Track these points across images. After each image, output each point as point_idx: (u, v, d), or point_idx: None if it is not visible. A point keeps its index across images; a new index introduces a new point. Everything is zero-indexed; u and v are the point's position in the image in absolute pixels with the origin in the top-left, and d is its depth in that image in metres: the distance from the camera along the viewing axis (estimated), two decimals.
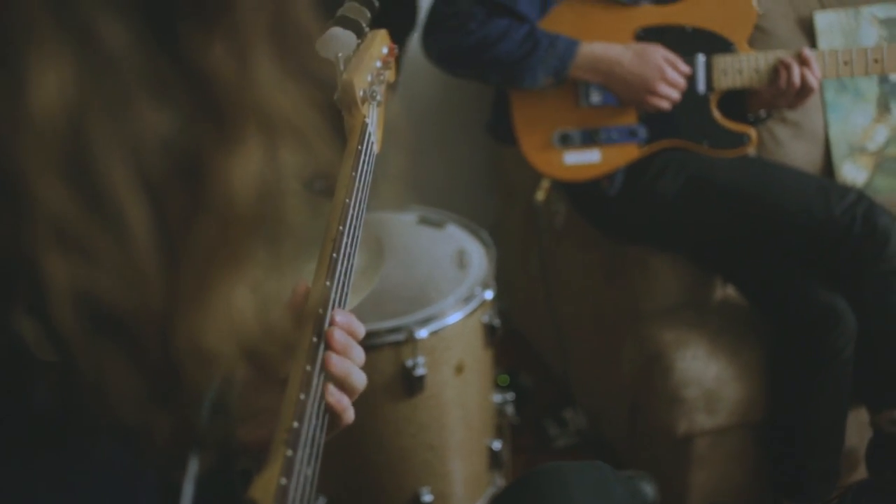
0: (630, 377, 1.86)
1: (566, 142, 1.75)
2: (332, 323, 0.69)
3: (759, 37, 1.86)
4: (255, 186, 0.50)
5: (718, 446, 1.77)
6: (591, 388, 2.08)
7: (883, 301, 1.65)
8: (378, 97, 0.93)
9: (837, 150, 1.95)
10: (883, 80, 1.95)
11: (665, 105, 1.69)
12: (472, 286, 1.55)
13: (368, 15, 0.97)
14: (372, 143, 0.89)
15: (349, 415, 0.71)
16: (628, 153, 1.76)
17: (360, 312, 0.78)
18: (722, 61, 1.70)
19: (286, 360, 0.65)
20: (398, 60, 1.04)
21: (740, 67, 1.69)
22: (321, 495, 1.51)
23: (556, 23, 1.71)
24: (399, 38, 1.66)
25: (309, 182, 0.55)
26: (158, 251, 0.48)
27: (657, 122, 1.74)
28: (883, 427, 1.69)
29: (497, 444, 1.68)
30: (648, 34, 1.72)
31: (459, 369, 1.53)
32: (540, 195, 1.88)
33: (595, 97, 1.73)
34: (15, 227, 0.45)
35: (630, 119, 1.75)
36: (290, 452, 0.58)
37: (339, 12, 0.96)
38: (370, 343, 1.42)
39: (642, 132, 1.75)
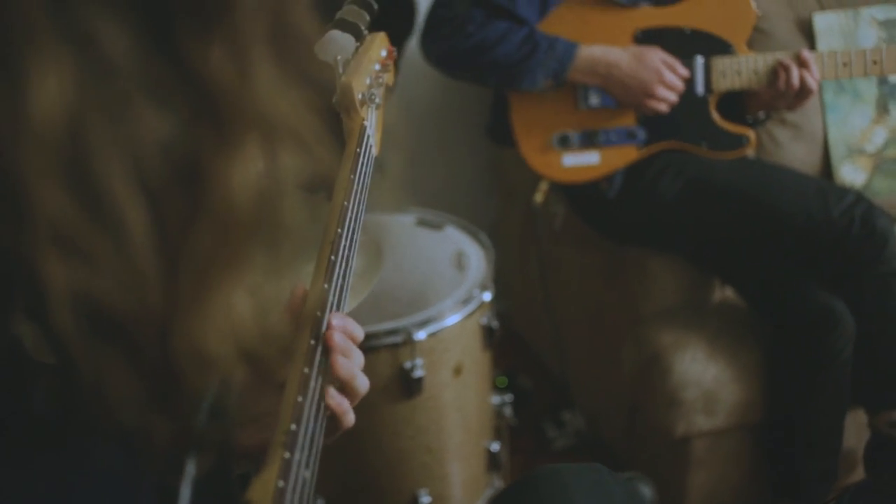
0: (629, 379, 1.86)
1: (565, 144, 1.75)
2: (329, 327, 0.69)
3: (758, 38, 1.85)
4: (253, 190, 0.50)
5: (717, 448, 1.77)
6: (590, 389, 2.08)
7: (881, 302, 1.65)
8: (377, 100, 0.93)
9: (836, 152, 1.95)
10: (882, 81, 1.95)
11: (663, 108, 1.69)
12: (471, 288, 1.55)
13: (367, 18, 0.97)
14: (370, 145, 0.89)
15: (349, 418, 0.71)
16: (627, 155, 1.76)
17: (358, 314, 0.78)
18: (721, 63, 1.70)
19: (284, 364, 0.65)
20: (397, 63, 1.04)
21: (739, 69, 1.69)
22: (319, 497, 1.51)
23: (555, 25, 1.71)
24: (398, 40, 1.66)
25: (307, 185, 0.55)
26: (157, 255, 0.48)
27: (656, 124, 1.74)
28: (881, 428, 1.69)
29: (495, 446, 1.68)
30: (647, 36, 1.72)
31: (458, 371, 1.53)
32: (539, 197, 1.88)
33: (594, 99, 1.73)
34: (14, 231, 0.45)
35: (629, 121, 1.75)
36: (287, 455, 0.58)
37: (338, 15, 0.96)
38: (368, 345, 1.42)
39: (641, 134, 1.75)
